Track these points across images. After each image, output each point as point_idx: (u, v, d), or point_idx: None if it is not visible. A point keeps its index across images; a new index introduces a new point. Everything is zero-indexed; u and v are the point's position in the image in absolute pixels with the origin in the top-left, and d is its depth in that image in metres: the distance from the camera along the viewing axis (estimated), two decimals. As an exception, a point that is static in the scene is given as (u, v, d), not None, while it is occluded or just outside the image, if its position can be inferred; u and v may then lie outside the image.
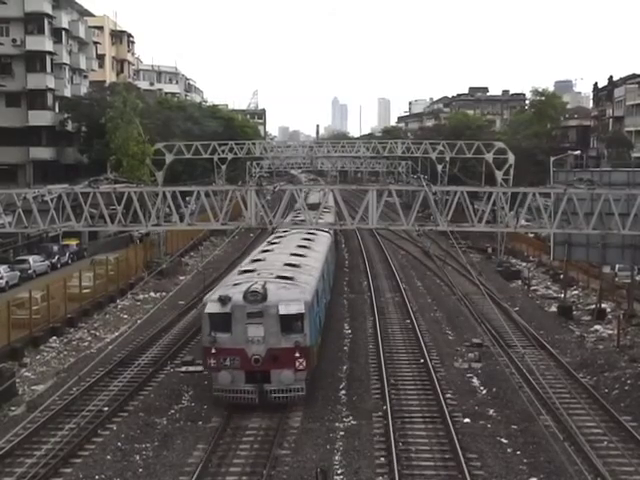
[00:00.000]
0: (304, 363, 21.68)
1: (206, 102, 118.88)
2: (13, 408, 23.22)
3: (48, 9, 59.54)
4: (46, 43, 59.02)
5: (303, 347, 21.73)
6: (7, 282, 39.52)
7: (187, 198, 40.56)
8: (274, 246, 31.16)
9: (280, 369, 21.58)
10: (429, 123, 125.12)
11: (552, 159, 41.05)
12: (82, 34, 68.78)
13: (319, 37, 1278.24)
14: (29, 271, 42.59)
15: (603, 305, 35.43)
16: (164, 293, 37.96)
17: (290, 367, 21.62)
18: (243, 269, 26.08)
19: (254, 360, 21.53)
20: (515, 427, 20.87)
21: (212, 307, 22.14)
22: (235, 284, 23.29)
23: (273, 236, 34.30)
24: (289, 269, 25.37)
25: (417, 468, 18.18)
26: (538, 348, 27.67)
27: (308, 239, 32.95)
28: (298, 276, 24.50)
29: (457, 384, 24.76)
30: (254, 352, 21.56)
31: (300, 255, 28.62)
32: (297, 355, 21.58)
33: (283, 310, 21.71)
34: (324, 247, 33.85)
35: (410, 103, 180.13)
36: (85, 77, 70.73)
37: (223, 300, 21.88)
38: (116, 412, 22.06)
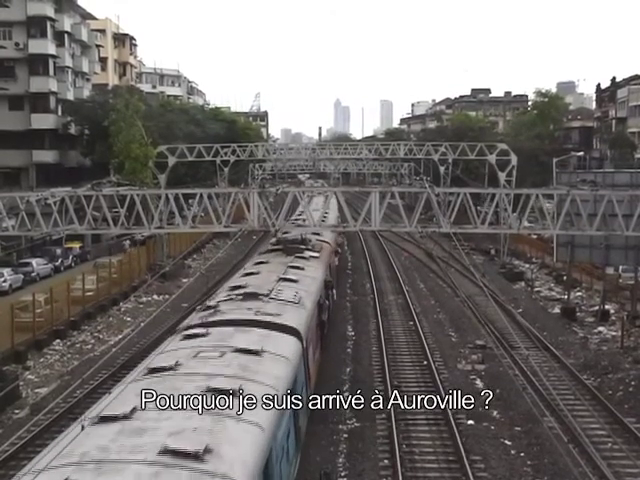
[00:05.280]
0: None
1: (208, 105, 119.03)
2: (17, 411, 23.24)
3: (50, 12, 59.60)
4: (49, 46, 59.11)
5: None
6: (11, 285, 39.59)
7: (190, 201, 40.58)
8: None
9: None
10: (431, 125, 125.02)
11: (555, 160, 41.06)
12: (84, 37, 68.89)
13: (321, 40, 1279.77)
14: (32, 274, 42.68)
15: (607, 306, 35.38)
16: (167, 296, 37.99)
17: None
18: None
19: None
20: (519, 429, 20.83)
21: None
22: None
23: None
24: None
25: (421, 470, 18.14)
26: (542, 350, 27.62)
27: (254, 351, 13.00)
28: None
29: (461, 386, 24.70)
30: None
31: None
32: None
33: None
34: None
35: (412, 105, 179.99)
36: (88, 80, 70.83)
37: None
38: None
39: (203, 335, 13.86)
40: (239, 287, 18.78)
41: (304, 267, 22.94)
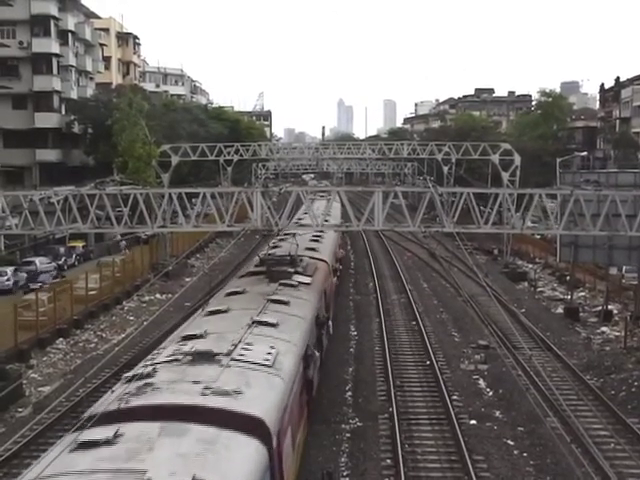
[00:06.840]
0: None
1: (212, 104, 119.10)
2: (20, 409, 23.29)
3: (54, 11, 59.75)
4: (52, 45, 59.25)
5: None
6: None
7: (193, 200, 40.61)
8: None
9: None
10: (435, 124, 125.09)
11: (558, 160, 41.09)
12: (88, 36, 69.06)
13: (324, 39, 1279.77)
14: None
15: (610, 307, 35.33)
16: (170, 295, 37.99)
17: None
18: None
19: None
20: (522, 429, 20.81)
21: None
22: None
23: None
24: None
25: (423, 470, 18.12)
26: (545, 350, 27.60)
27: None
28: None
29: (463, 386, 24.70)
30: None
31: None
32: None
33: None
34: None
35: (416, 104, 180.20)
36: (91, 79, 70.97)
37: None
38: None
39: (106, 443, 8.83)
40: (193, 337, 13.61)
41: (289, 300, 18.02)
